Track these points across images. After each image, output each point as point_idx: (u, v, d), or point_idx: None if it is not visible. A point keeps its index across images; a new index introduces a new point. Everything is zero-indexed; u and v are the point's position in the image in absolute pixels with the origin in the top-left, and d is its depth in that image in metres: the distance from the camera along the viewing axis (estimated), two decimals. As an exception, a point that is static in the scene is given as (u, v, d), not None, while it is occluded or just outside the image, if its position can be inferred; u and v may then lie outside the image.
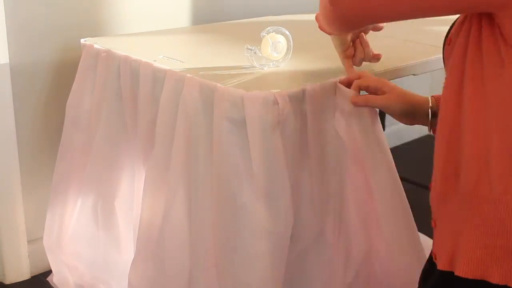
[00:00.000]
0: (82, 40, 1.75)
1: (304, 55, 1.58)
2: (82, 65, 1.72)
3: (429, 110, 1.26)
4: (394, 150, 1.44)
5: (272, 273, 1.30)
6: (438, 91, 1.13)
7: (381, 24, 1.37)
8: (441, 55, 1.09)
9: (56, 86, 1.93)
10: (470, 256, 0.93)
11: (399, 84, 1.34)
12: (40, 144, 1.97)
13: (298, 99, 1.30)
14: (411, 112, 1.28)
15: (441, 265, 0.98)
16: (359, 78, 1.34)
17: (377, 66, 1.47)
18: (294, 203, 1.32)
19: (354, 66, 1.41)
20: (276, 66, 1.49)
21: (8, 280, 2.01)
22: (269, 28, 1.46)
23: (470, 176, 0.94)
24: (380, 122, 1.38)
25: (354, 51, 1.40)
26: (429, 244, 1.08)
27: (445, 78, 1.00)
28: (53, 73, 1.93)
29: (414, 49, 1.77)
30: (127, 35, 1.97)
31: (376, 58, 1.42)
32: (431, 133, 1.26)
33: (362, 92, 1.34)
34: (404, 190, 1.40)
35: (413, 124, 1.32)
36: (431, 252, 1.06)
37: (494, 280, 0.91)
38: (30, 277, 2.03)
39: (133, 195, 1.64)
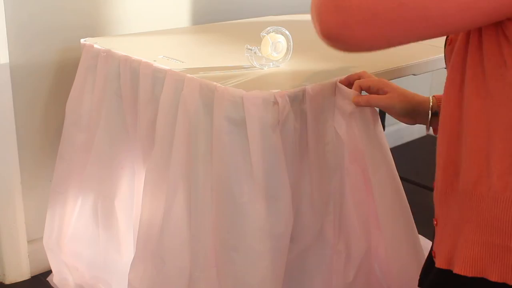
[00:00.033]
0: (82, 40, 1.75)
1: (304, 55, 1.58)
2: (82, 65, 1.72)
3: (429, 110, 1.26)
4: (394, 150, 1.45)
5: (272, 273, 1.30)
6: (438, 91, 1.13)
7: None
8: (441, 55, 1.09)
9: (56, 86, 1.93)
10: (468, 254, 0.93)
11: (399, 84, 1.34)
12: (40, 144, 1.97)
13: (298, 99, 1.30)
14: (413, 111, 1.29)
15: (439, 263, 0.98)
16: (359, 78, 1.34)
17: (377, 66, 1.47)
18: (294, 203, 1.32)
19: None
20: (276, 66, 1.49)
21: (8, 280, 2.01)
22: (269, 28, 1.46)
23: (470, 174, 0.94)
24: (380, 122, 1.38)
25: None
26: (427, 245, 1.08)
27: (446, 77, 1.00)
28: (53, 73, 1.93)
29: (414, 49, 1.76)
30: (127, 35, 1.97)
31: None
32: (432, 133, 1.27)
33: (363, 92, 1.34)
34: (404, 190, 1.40)
35: (414, 124, 1.32)
36: (431, 249, 1.06)
37: (492, 278, 0.91)
38: (30, 277, 2.03)
39: (133, 195, 1.64)
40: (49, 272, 1.95)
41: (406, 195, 1.40)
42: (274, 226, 1.29)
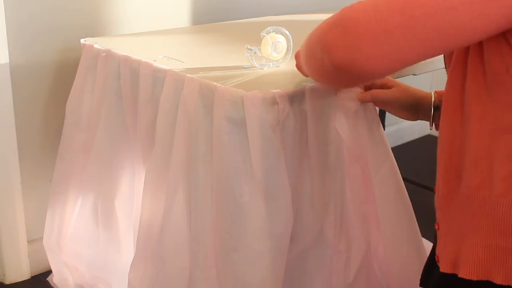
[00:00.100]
0: (82, 40, 1.75)
1: (304, 55, 1.57)
2: (82, 65, 1.72)
3: (432, 105, 1.28)
4: (394, 150, 1.45)
5: (272, 273, 1.30)
6: (438, 91, 1.14)
7: None
8: (441, 55, 1.08)
9: (56, 86, 1.93)
10: (473, 257, 0.93)
11: (399, 84, 1.35)
12: (40, 144, 1.97)
13: (298, 99, 1.30)
14: (416, 105, 1.30)
15: (443, 268, 0.98)
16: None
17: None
18: (294, 203, 1.32)
19: None
20: (276, 66, 1.49)
21: (8, 280, 2.01)
22: (269, 28, 1.46)
23: (473, 178, 0.94)
24: (380, 121, 1.38)
25: None
26: (426, 245, 1.07)
27: (447, 81, 1.00)
28: (53, 73, 1.93)
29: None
30: (127, 35, 1.97)
31: None
32: (434, 129, 1.27)
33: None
34: (404, 190, 1.40)
35: (416, 120, 1.33)
36: (432, 250, 1.06)
37: (497, 280, 0.91)
38: (30, 277, 2.03)
39: (133, 195, 1.64)
40: (49, 272, 1.95)
41: (405, 195, 1.40)
42: (274, 226, 1.28)
